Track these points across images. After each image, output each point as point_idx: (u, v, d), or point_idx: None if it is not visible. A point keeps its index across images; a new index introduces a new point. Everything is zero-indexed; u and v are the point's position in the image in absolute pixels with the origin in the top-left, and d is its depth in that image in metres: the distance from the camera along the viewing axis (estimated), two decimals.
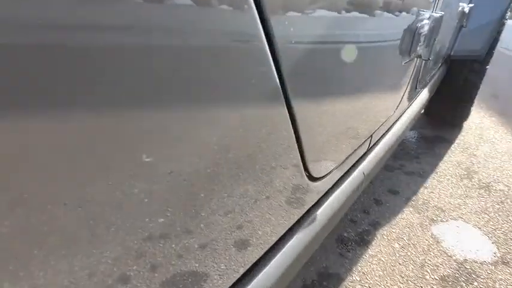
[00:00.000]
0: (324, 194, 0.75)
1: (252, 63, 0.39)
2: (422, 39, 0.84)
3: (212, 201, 0.42)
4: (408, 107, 1.32)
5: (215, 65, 0.34)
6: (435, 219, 1.62)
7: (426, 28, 0.84)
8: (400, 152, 2.24)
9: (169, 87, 0.30)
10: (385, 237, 1.51)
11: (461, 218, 1.64)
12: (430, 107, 2.59)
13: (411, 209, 1.69)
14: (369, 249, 1.45)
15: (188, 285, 0.43)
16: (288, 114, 0.48)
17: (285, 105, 0.46)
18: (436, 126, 2.60)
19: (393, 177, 1.96)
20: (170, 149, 0.33)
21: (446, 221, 1.62)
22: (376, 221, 1.61)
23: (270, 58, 0.40)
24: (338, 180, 0.80)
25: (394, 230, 1.55)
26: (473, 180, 1.93)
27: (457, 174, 1.99)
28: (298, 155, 0.55)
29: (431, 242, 1.48)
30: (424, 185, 1.88)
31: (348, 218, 1.62)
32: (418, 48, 0.86)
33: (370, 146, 0.93)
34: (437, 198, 1.77)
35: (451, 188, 1.86)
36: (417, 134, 2.52)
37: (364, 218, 1.63)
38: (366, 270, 1.34)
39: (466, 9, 1.63)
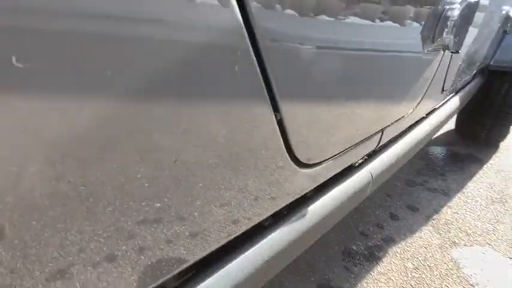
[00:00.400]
0: (319, 188, 0.66)
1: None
2: (450, 25, 0.74)
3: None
4: (432, 111, 1.19)
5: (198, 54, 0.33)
6: (458, 242, 1.46)
7: (456, 13, 0.73)
8: (424, 167, 2.07)
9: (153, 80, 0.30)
10: (398, 255, 1.37)
11: (489, 244, 1.46)
12: (462, 122, 2.40)
13: (431, 228, 1.53)
14: (378, 266, 1.31)
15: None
16: (264, 84, 0.41)
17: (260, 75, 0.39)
18: (469, 144, 2.40)
19: (414, 192, 1.80)
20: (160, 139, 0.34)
21: (471, 245, 1.44)
22: (389, 237, 1.47)
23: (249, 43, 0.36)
24: (338, 174, 0.70)
25: (409, 249, 1.40)
26: (506, 205, 1.73)
27: (488, 196, 1.80)
28: (279, 132, 0.47)
29: (450, 267, 1.32)
30: (448, 204, 1.71)
31: (358, 230, 1.49)
32: (445, 35, 0.75)
33: (380, 144, 0.82)
34: (462, 220, 1.60)
35: (480, 210, 1.68)
36: (446, 150, 2.33)
37: (376, 232, 1.49)
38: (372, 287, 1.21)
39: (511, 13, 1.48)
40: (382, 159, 0.85)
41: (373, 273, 1.28)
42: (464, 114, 2.31)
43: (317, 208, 0.64)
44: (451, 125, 2.53)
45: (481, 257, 1.38)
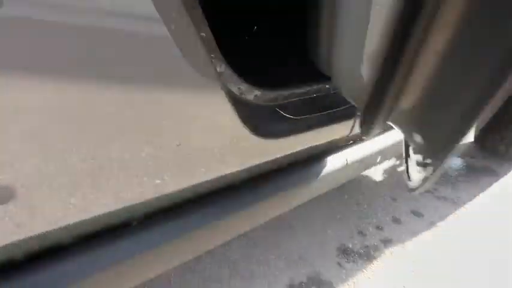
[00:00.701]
0: (281, 165, 0.69)
1: None
2: None
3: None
4: None
5: None
6: (454, 249, 1.43)
7: None
8: None
9: None
10: (394, 257, 1.36)
11: (490, 252, 1.41)
12: (481, 134, 2.32)
13: (432, 234, 1.51)
14: (372, 265, 1.32)
15: None
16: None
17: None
18: (487, 156, 2.32)
19: (421, 199, 1.77)
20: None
21: (471, 252, 1.41)
22: (388, 239, 1.46)
23: None
24: (307, 154, 0.73)
25: (405, 252, 1.39)
26: None
27: (496, 210, 1.74)
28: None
29: (447, 273, 1.30)
30: (455, 213, 1.67)
31: (357, 230, 1.50)
32: None
33: (353, 130, 0.83)
34: (466, 230, 1.56)
35: (483, 222, 1.63)
36: (462, 161, 2.27)
37: (375, 234, 1.49)
38: (362, 285, 1.22)
39: None
40: (360, 149, 0.86)
41: (365, 271, 1.29)
42: (484, 126, 2.24)
43: (271, 181, 0.67)
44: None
45: (478, 264, 1.34)
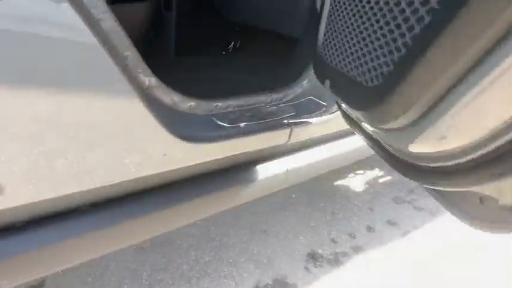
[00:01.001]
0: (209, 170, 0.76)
1: None
2: None
3: None
4: None
5: None
6: (424, 258, 1.45)
7: None
8: (418, 186, 2.05)
9: None
10: (363, 264, 1.40)
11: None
12: None
13: (404, 244, 1.54)
14: (339, 271, 1.36)
15: None
16: None
17: None
18: None
19: (399, 208, 1.81)
20: None
21: (438, 262, 1.43)
22: (359, 247, 1.50)
23: None
24: (242, 160, 0.80)
25: (375, 260, 1.43)
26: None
27: None
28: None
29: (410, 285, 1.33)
30: (431, 223, 1.70)
31: (329, 237, 1.54)
32: None
33: (290, 139, 0.89)
34: (439, 239, 1.58)
35: (462, 231, 1.65)
36: None
37: (347, 241, 1.53)
38: None
39: None
40: (297, 159, 0.91)
41: (331, 277, 1.33)
42: None
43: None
44: None
45: (449, 273, 1.37)
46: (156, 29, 1.56)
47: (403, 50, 0.41)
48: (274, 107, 0.84)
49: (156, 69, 0.62)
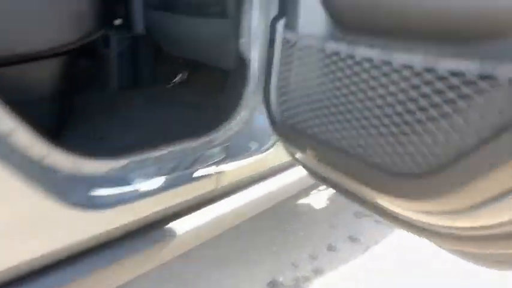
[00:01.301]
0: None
1: None
2: None
3: None
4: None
5: None
6: (390, 274, 1.47)
7: None
8: None
9: None
10: (323, 286, 1.40)
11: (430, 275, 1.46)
12: None
13: (366, 259, 1.56)
14: None
15: None
16: None
17: None
18: None
19: (359, 223, 1.83)
20: None
21: (409, 276, 1.46)
22: (320, 268, 1.50)
23: None
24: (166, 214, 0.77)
25: (335, 281, 1.43)
26: None
27: None
28: None
29: None
30: (391, 236, 1.73)
31: (290, 261, 1.53)
32: None
33: (218, 185, 0.87)
34: (401, 251, 1.61)
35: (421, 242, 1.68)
36: None
37: (308, 264, 1.53)
38: None
39: None
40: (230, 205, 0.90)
41: None
42: None
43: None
44: None
45: (412, 286, 1.39)
46: (99, 63, 1.55)
47: None
48: (201, 153, 0.82)
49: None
